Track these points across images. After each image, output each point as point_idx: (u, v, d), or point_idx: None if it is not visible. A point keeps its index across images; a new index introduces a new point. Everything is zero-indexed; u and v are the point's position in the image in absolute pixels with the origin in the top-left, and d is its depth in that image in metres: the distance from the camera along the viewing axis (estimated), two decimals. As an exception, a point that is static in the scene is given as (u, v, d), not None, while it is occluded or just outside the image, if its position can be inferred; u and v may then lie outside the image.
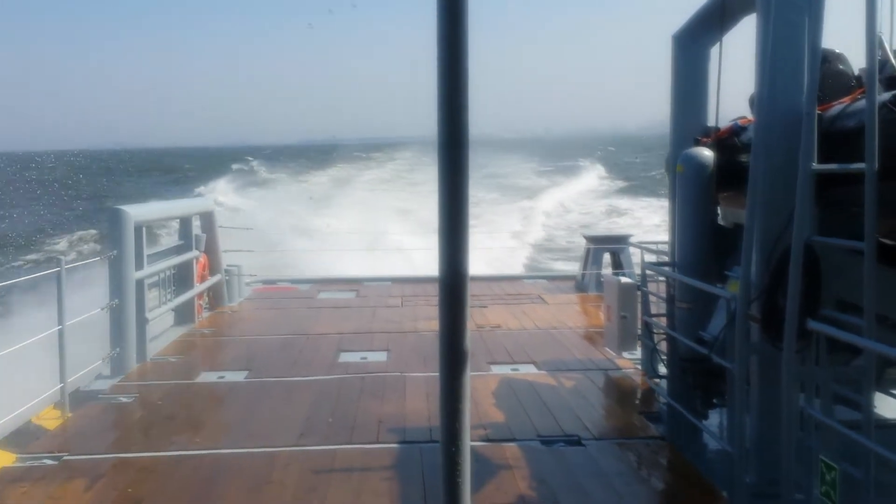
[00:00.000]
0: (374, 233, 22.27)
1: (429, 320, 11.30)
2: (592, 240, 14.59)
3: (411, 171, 53.79)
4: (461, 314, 1.44)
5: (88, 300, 8.83)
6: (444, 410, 1.45)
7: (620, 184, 54.99)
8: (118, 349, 8.82)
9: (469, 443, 1.48)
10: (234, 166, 67.50)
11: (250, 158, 77.86)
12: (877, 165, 3.93)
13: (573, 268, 15.91)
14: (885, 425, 4.80)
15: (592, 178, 58.23)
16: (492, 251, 18.37)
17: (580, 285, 14.45)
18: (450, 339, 1.44)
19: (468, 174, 1.47)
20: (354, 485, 5.65)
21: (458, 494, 1.45)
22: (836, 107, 4.82)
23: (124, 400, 7.83)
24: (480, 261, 17.76)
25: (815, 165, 4.46)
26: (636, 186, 52.28)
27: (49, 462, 6.16)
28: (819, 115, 4.58)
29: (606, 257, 14.29)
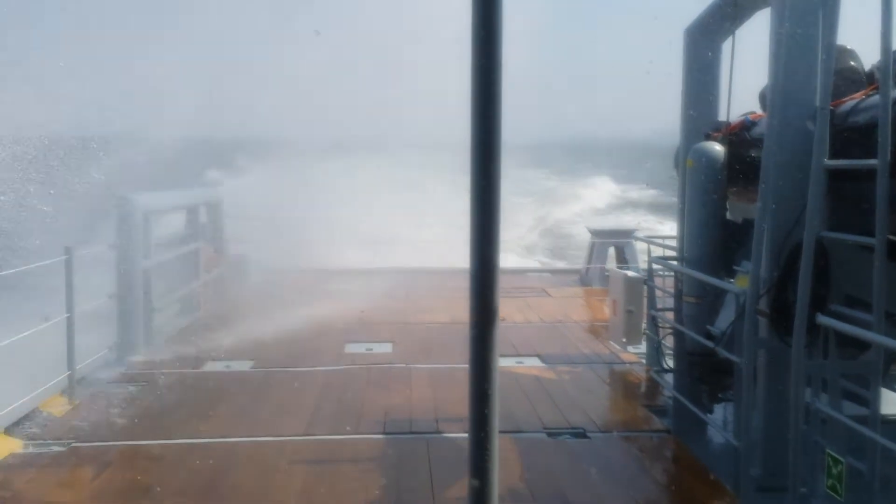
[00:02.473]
0: (380, 224, 22.16)
1: (433, 312, 11.32)
2: (597, 234, 14.59)
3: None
4: (491, 303, 1.45)
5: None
6: (474, 396, 1.47)
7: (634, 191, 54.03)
8: (125, 337, 8.84)
9: (497, 429, 1.50)
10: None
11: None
12: (889, 161, 3.95)
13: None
14: (890, 420, 4.82)
15: (607, 185, 57.22)
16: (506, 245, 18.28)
17: (584, 279, 14.47)
18: (480, 327, 1.46)
19: (500, 168, 1.48)
20: (362, 474, 5.68)
21: (486, 480, 1.47)
22: (849, 102, 4.83)
23: (131, 388, 7.85)
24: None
25: (828, 161, 4.46)
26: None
27: (57, 449, 6.19)
28: (831, 110, 4.59)
29: (611, 251, 14.30)
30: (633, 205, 47.35)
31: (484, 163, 1.44)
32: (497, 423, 1.48)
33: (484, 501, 1.47)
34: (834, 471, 4.20)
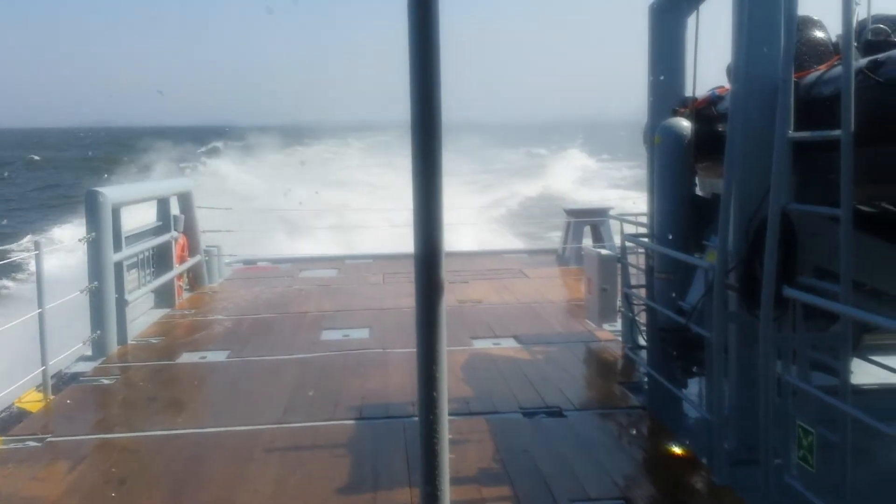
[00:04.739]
0: (353, 210, 22.09)
1: (410, 297, 11.21)
2: (573, 213, 14.63)
3: (390, 152, 52.02)
4: (436, 284, 1.43)
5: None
6: (422, 379, 1.45)
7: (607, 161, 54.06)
8: (99, 331, 8.76)
9: (447, 411, 1.48)
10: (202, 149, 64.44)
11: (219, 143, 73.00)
12: (853, 132, 3.95)
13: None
14: (861, 391, 4.86)
15: (579, 160, 57.42)
16: (476, 225, 18.29)
17: (561, 259, 14.51)
18: (426, 309, 1.44)
19: (441, 151, 1.45)
20: (338, 460, 5.66)
21: (436, 462, 1.45)
22: (813, 74, 4.84)
23: (106, 382, 7.79)
24: (466, 236, 17.69)
25: (792, 133, 4.47)
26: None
27: (33, 444, 6.14)
28: (796, 82, 4.59)
29: (587, 230, 14.34)
30: (614, 180, 47.60)
31: (424, 145, 1.42)
32: (446, 405, 1.46)
33: (435, 484, 1.46)
34: (805, 442, 4.23)
